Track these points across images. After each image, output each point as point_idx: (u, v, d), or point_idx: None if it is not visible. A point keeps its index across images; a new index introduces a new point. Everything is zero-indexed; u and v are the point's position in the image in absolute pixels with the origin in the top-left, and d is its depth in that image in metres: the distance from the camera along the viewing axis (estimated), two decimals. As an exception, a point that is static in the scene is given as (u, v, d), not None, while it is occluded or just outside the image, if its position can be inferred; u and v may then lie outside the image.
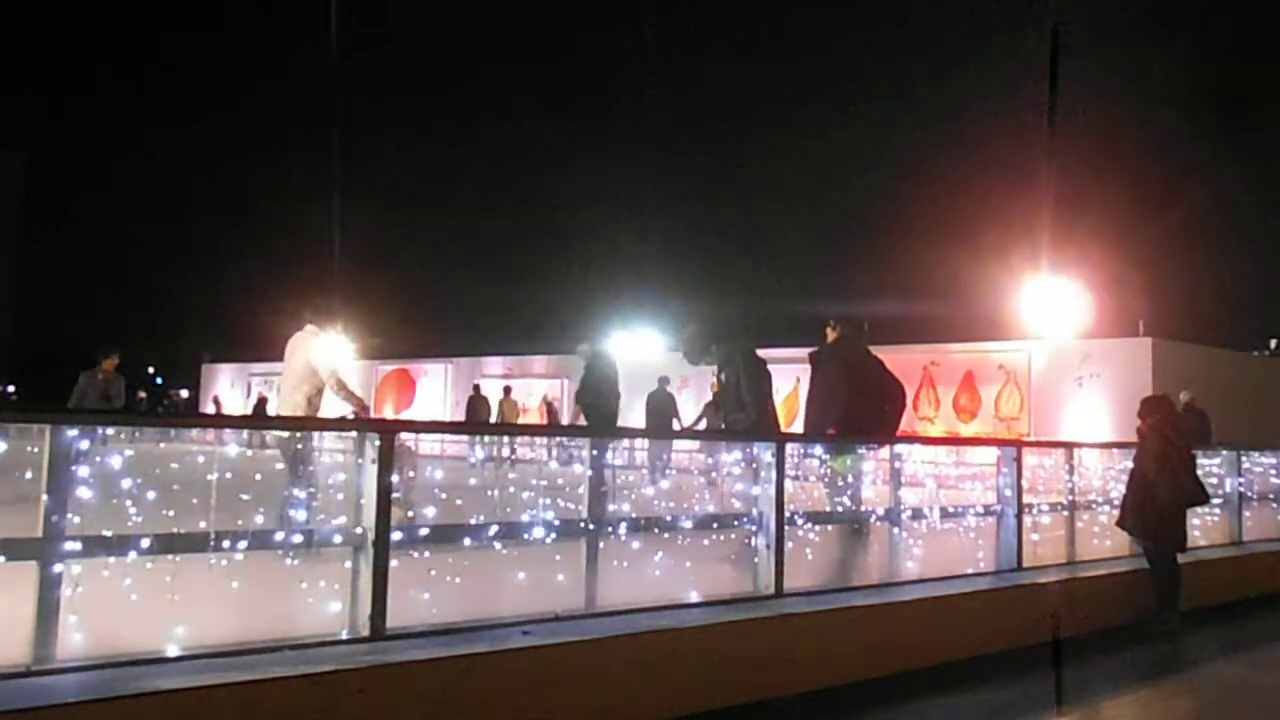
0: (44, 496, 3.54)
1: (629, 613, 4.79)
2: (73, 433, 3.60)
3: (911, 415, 18.25)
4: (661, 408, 15.19)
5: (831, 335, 6.98)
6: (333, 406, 7.25)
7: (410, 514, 5.02)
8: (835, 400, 6.70)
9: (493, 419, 21.82)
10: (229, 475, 4.13)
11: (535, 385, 26.27)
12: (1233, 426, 13.86)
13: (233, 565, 3.92)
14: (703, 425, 14.81)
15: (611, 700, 4.36)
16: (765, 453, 5.58)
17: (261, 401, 29.59)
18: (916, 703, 5.24)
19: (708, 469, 7.64)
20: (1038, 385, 18.75)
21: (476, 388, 23.35)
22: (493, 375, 27.10)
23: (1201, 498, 7.61)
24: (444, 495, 4.91)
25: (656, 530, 5.29)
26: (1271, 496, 10.19)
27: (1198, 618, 7.46)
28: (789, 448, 5.90)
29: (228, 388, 34.59)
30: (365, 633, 4.05)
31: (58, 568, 3.53)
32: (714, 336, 7.16)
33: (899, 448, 6.71)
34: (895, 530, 6.41)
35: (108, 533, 3.71)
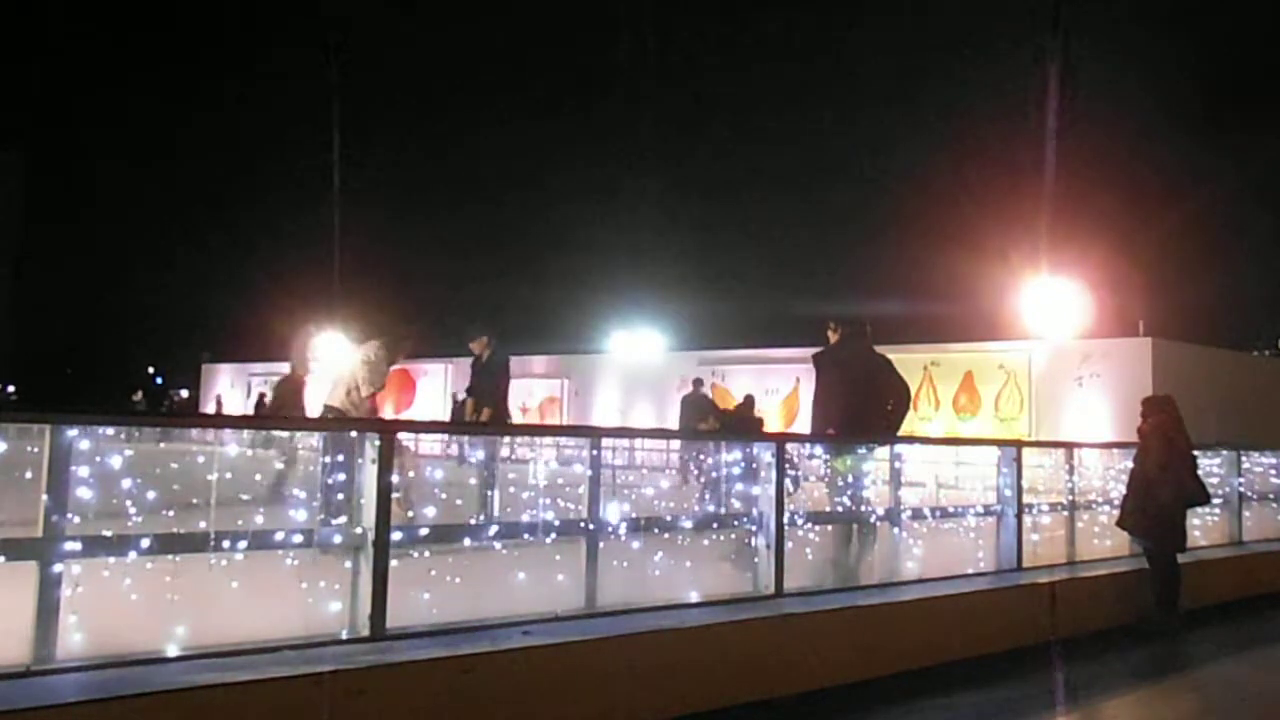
0: (44, 496, 3.54)
1: (629, 613, 4.80)
2: (73, 432, 3.60)
3: (911, 415, 18.25)
4: (698, 410, 15.54)
5: (833, 337, 6.98)
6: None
7: (410, 514, 5.03)
8: (835, 402, 6.70)
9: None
10: (229, 475, 4.13)
11: (535, 385, 26.26)
12: (1233, 426, 13.85)
13: (233, 565, 3.92)
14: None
15: (611, 700, 4.35)
16: (765, 453, 5.58)
17: (262, 400, 29.60)
18: (916, 703, 5.24)
19: (708, 469, 7.66)
20: (1038, 385, 18.74)
21: (454, 396, 23.34)
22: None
23: (1202, 498, 7.61)
24: (444, 495, 4.91)
25: (656, 530, 5.29)
26: (1271, 496, 10.19)
27: (1198, 618, 7.46)
28: (789, 448, 5.90)
29: (228, 388, 34.60)
30: (365, 633, 4.05)
31: (58, 568, 3.53)
32: None
33: (899, 448, 6.71)
34: (895, 530, 6.41)
35: (108, 533, 3.72)
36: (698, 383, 16.12)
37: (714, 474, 6.11)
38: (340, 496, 4.35)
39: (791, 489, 5.81)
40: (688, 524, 5.42)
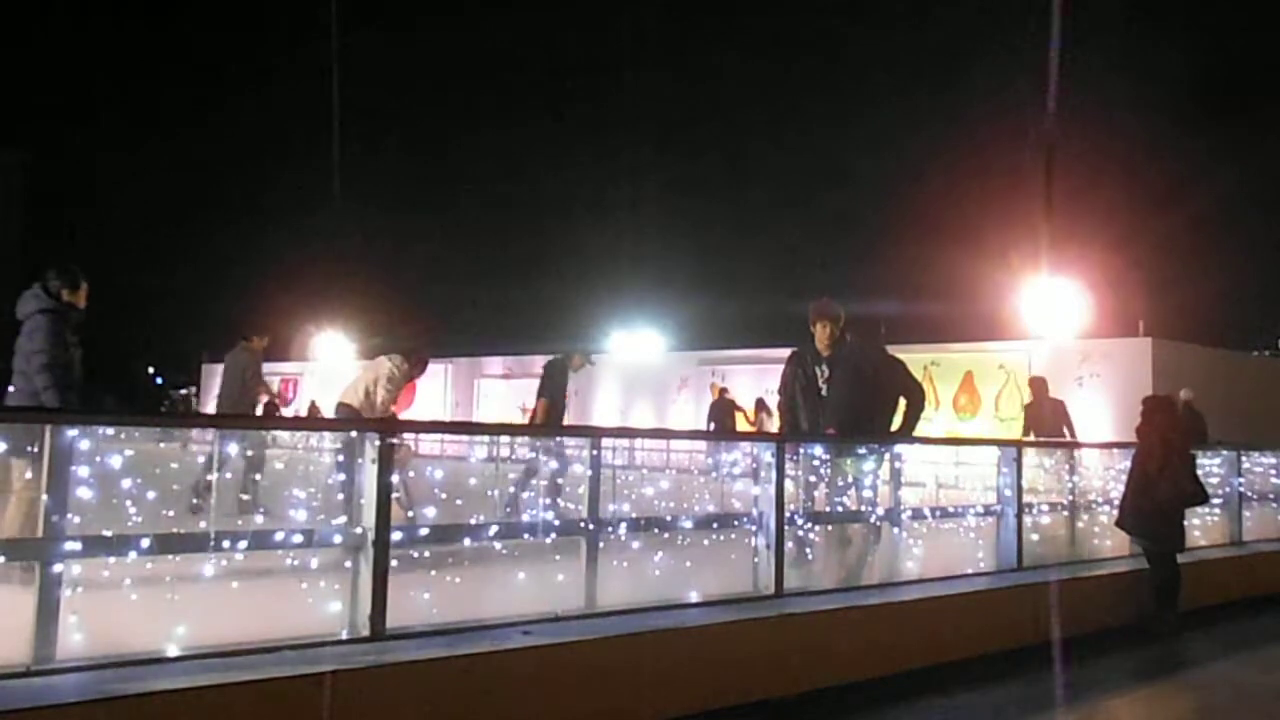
0: (44, 496, 3.54)
1: (629, 613, 4.79)
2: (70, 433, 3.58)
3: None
4: (722, 415, 16.05)
5: (846, 339, 7.02)
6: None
7: (410, 514, 5.02)
8: (844, 402, 6.70)
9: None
10: (229, 475, 4.13)
11: (536, 385, 26.23)
12: (1233, 426, 13.86)
13: (233, 565, 3.92)
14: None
15: (611, 700, 4.35)
16: (765, 453, 5.58)
17: (272, 400, 29.68)
18: (916, 703, 5.24)
19: (708, 469, 7.67)
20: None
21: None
22: (493, 375, 27.09)
23: (1201, 498, 7.60)
24: (444, 495, 4.91)
25: (656, 530, 5.29)
26: (1271, 496, 10.19)
27: (1198, 618, 7.46)
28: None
29: (228, 388, 34.57)
30: (365, 633, 4.05)
31: (58, 568, 3.53)
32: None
33: (899, 447, 6.70)
34: (895, 530, 6.41)
35: (108, 533, 3.71)
36: (724, 390, 16.90)
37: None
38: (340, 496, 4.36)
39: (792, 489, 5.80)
40: (688, 524, 5.42)
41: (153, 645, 3.62)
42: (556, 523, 4.83)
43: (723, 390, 17.13)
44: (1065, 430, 11.88)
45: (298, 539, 4.16)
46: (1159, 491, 7.24)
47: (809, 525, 5.90)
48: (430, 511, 4.77)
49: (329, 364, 30.41)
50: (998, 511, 7.08)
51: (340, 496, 4.35)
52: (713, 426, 16.49)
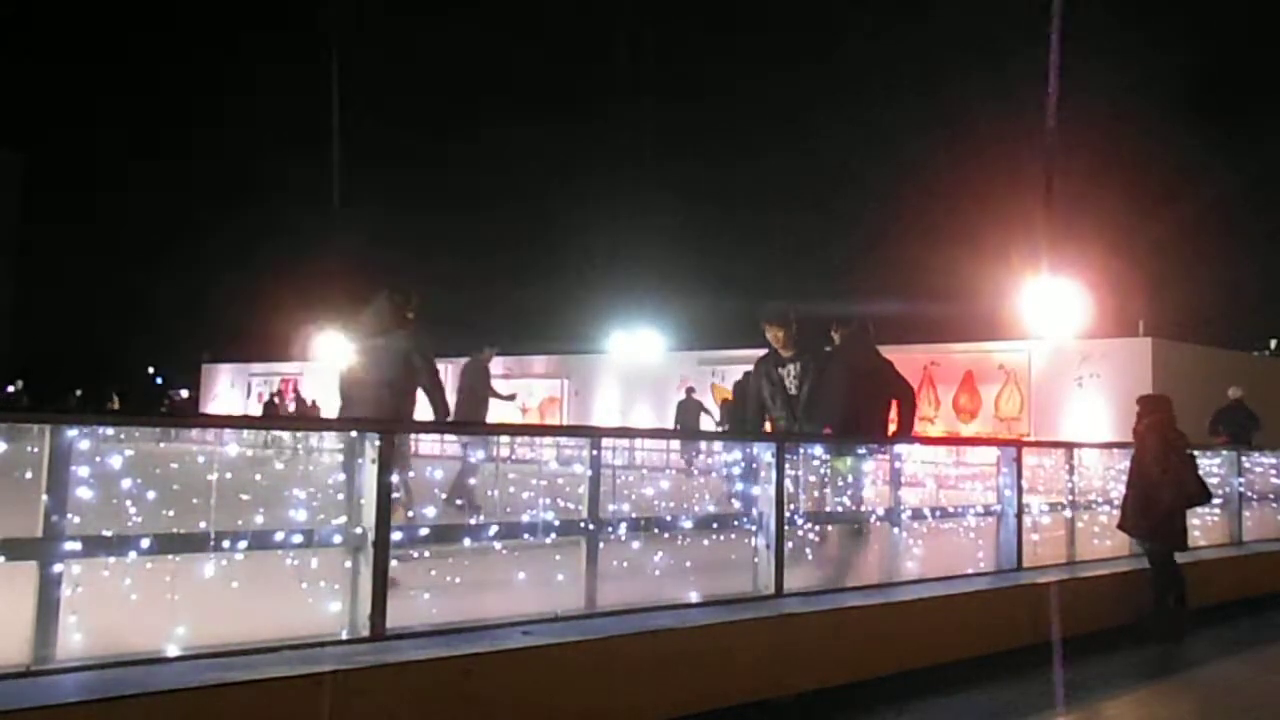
0: (44, 496, 3.53)
1: (629, 613, 4.79)
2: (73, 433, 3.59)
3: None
4: (690, 414, 16.23)
5: (836, 338, 7.01)
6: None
7: (410, 514, 5.02)
8: (836, 401, 6.70)
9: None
10: (229, 475, 4.13)
11: (535, 385, 26.26)
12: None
13: (233, 565, 3.92)
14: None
15: (611, 700, 4.35)
16: (765, 453, 5.58)
17: (273, 400, 29.64)
18: (916, 703, 5.24)
19: (708, 469, 7.66)
20: (1038, 385, 18.74)
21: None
22: (492, 375, 27.06)
23: (1204, 498, 7.58)
24: (444, 495, 4.91)
25: (657, 530, 5.29)
26: (1271, 496, 10.19)
27: (1198, 618, 7.45)
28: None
29: (228, 387, 34.59)
30: (365, 633, 4.05)
31: (58, 568, 3.53)
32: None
33: (899, 448, 6.70)
34: (895, 530, 6.40)
35: (108, 533, 3.71)
36: (690, 390, 17.02)
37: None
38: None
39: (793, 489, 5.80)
40: (688, 524, 5.42)
41: (153, 645, 3.62)
42: (557, 523, 4.82)
43: (690, 390, 17.32)
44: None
45: (298, 539, 4.16)
46: (1162, 493, 7.22)
47: (808, 525, 5.89)
48: (430, 511, 4.77)
49: (329, 364, 30.40)
50: (998, 511, 7.07)
51: (340, 496, 4.34)
52: (678, 427, 16.57)
